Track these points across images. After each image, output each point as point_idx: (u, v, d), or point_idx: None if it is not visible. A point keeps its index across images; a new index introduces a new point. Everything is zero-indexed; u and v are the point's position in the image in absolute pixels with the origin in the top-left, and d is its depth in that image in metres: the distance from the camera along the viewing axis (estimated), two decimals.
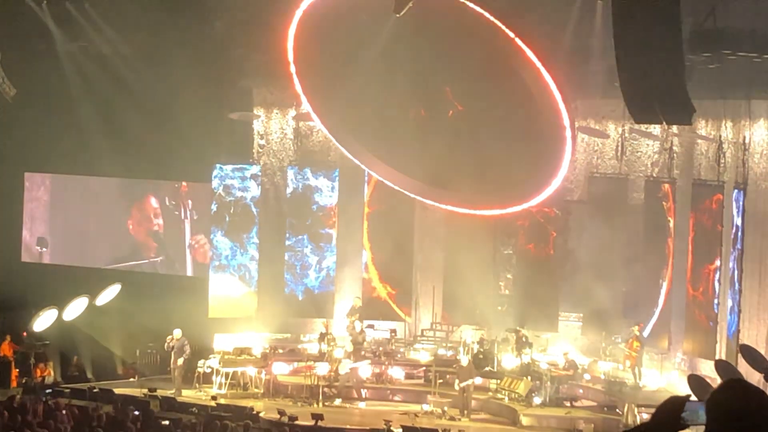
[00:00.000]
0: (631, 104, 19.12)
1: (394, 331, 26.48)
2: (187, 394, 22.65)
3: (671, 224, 24.42)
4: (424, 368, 24.90)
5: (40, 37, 25.63)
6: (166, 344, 23.36)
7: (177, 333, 23.39)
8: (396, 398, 23.61)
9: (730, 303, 22.14)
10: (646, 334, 23.90)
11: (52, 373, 24.94)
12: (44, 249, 30.15)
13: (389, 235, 26.34)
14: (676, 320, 24.23)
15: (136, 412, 16.85)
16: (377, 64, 23.85)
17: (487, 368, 23.68)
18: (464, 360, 22.49)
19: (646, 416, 20.56)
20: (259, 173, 27.74)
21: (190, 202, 29.03)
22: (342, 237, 27.43)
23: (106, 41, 25.47)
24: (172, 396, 21.86)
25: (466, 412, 22.03)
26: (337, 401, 23.00)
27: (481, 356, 23.63)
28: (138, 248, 29.74)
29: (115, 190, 29.78)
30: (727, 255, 22.43)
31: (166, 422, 16.59)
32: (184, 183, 29.23)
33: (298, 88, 24.60)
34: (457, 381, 22.18)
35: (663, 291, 24.61)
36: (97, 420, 14.95)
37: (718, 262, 22.75)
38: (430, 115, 25.79)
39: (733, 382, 3.43)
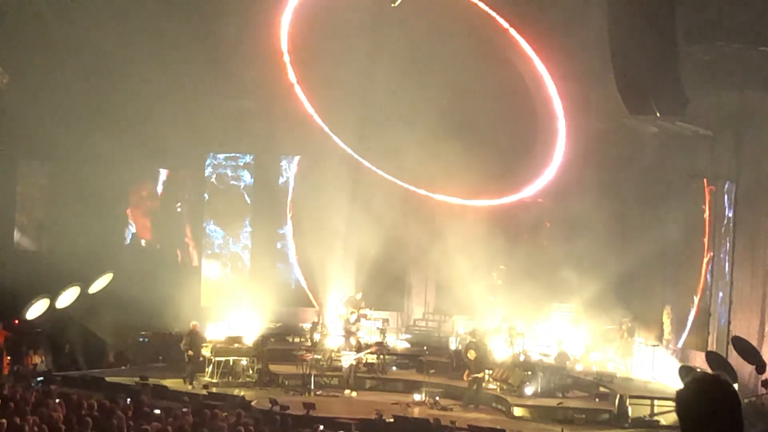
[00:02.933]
0: (625, 95, 19.13)
1: (386, 320, 26.49)
2: (179, 383, 22.57)
3: (667, 215, 24.42)
4: (418, 356, 24.98)
5: (33, 24, 25.51)
6: (183, 342, 23.11)
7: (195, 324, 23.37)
8: (388, 388, 23.59)
9: (721, 294, 22.13)
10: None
11: (43, 360, 24.90)
12: (43, 232, 30.12)
13: (382, 226, 26.25)
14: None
15: (128, 401, 16.80)
16: (371, 54, 23.82)
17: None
18: (472, 353, 22.44)
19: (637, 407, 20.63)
20: (252, 162, 27.69)
21: (188, 180, 28.91)
22: (329, 227, 27.37)
23: (100, 28, 25.36)
24: (165, 385, 21.80)
25: (473, 405, 21.86)
26: (329, 391, 22.99)
27: (472, 347, 23.62)
28: (135, 232, 29.61)
29: (112, 176, 29.65)
30: (719, 247, 22.42)
31: (158, 411, 16.54)
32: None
33: (292, 78, 24.57)
34: (467, 372, 22.11)
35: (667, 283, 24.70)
36: (88, 408, 14.90)
37: (710, 254, 22.74)
38: (424, 105, 25.75)
39: (702, 381, 3.27)
